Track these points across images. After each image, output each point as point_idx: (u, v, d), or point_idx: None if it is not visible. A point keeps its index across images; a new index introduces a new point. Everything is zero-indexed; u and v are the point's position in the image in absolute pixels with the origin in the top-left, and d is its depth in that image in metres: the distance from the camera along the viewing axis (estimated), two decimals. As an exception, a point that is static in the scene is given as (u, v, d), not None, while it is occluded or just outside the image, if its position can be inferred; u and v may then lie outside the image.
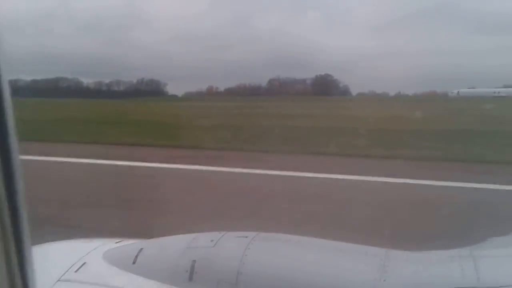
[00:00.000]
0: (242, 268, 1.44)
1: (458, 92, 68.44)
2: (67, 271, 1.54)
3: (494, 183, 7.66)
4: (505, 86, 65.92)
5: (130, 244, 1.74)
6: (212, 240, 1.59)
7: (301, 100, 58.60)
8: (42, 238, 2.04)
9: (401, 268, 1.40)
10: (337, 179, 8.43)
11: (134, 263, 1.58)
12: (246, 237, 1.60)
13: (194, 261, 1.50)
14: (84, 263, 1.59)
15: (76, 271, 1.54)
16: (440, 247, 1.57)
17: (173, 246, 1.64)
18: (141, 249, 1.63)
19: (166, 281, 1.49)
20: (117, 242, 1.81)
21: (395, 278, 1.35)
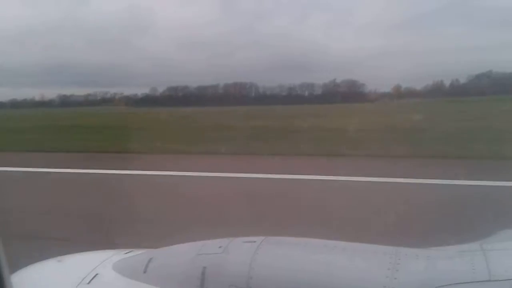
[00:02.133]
0: (252, 272, 1.45)
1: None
2: (80, 283, 1.55)
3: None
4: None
5: (139, 254, 1.76)
6: (220, 247, 1.60)
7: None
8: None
9: (412, 265, 1.39)
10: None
11: (145, 272, 1.59)
12: (254, 241, 1.60)
13: (205, 267, 1.51)
14: (96, 274, 1.61)
15: (88, 283, 1.56)
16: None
17: (182, 254, 1.65)
18: (151, 258, 1.64)
19: None
20: (127, 253, 1.83)
21: (406, 275, 1.34)
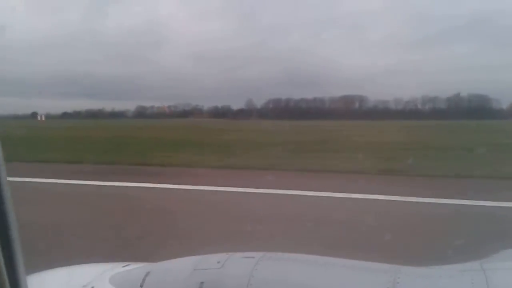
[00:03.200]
0: None
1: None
2: None
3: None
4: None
5: (137, 268, 1.73)
6: (218, 262, 1.59)
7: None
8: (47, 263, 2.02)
9: (413, 284, 1.38)
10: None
11: (141, 286, 1.56)
12: (253, 257, 1.59)
13: (202, 282, 1.49)
14: (92, 287, 1.58)
15: None
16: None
17: (180, 269, 1.63)
18: (148, 272, 1.62)
19: None
20: (124, 266, 1.80)
21: None
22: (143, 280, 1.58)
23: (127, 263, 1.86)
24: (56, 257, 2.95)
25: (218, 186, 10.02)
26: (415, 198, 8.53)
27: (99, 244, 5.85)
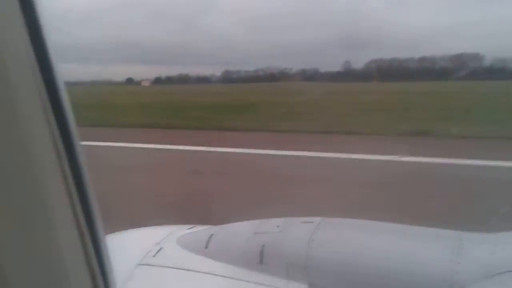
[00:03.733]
0: (310, 252, 1.47)
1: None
2: (145, 255, 1.67)
3: None
4: None
5: (201, 230, 1.84)
6: (278, 226, 1.63)
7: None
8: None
9: (477, 250, 1.34)
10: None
11: (206, 247, 1.67)
12: (312, 222, 1.60)
13: (263, 245, 1.55)
14: (161, 248, 1.72)
15: (154, 256, 1.67)
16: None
17: (241, 232, 1.70)
18: (212, 234, 1.71)
19: (238, 264, 1.56)
20: (189, 228, 1.92)
21: (471, 260, 1.30)
22: (208, 242, 1.68)
23: (192, 225, 1.98)
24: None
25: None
26: None
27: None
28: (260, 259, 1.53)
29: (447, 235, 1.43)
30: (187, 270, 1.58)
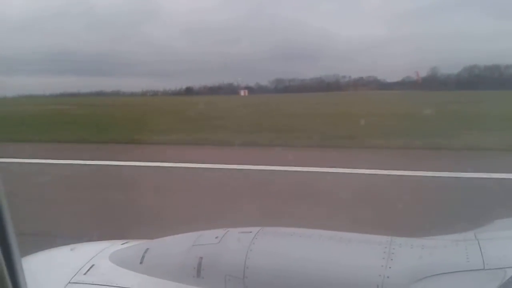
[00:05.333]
0: (248, 262, 1.45)
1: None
2: (76, 273, 1.56)
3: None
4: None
5: (136, 245, 1.76)
6: (216, 237, 1.61)
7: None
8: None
9: (406, 254, 1.40)
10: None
11: (141, 263, 1.60)
12: (250, 232, 1.61)
13: (201, 258, 1.52)
14: (93, 265, 1.61)
15: (85, 274, 1.56)
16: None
17: (178, 245, 1.65)
18: (147, 249, 1.65)
19: (174, 278, 1.51)
20: (123, 244, 1.83)
21: (401, 264, 1.35)
22: (142, 257, 1.61)
23: (126, 240, 1.89)
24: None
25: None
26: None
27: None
28: (198, 273, 1.49)
29: (379, 240, 1.49)
30: (119, 287, 1.50)
